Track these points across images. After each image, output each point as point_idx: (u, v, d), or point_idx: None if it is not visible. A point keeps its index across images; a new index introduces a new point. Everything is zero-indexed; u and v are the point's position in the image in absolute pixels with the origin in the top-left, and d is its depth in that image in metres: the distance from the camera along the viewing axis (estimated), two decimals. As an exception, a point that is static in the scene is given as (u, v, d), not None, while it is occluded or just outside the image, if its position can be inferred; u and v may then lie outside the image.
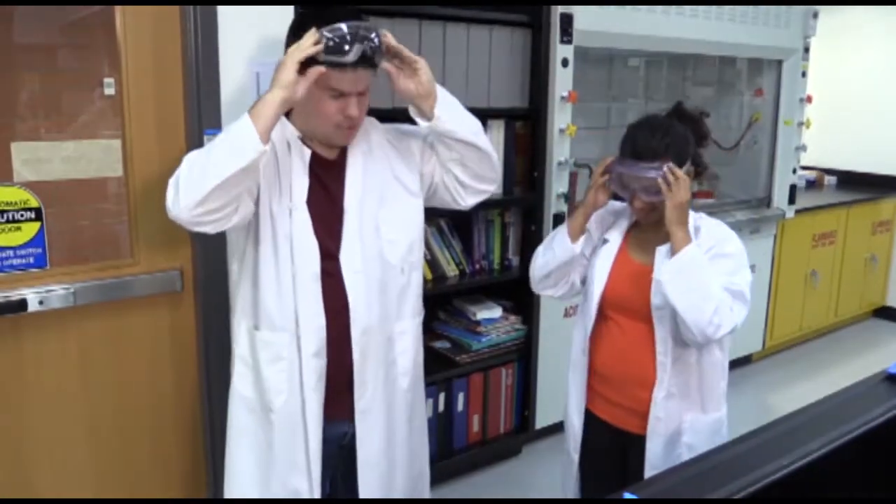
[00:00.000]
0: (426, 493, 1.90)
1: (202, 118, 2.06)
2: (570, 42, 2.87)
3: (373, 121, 1.73)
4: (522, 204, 2.99)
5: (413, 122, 1.68)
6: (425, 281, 2.02)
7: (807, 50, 3.94)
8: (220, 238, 1.73)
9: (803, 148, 4.10)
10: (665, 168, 1.65)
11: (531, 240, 2.93)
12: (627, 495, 1.06)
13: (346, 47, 1.46)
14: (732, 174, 4.16)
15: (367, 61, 1.50)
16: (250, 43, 2.10)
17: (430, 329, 2.99)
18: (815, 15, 3.89)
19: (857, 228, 4.77)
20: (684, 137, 1.74)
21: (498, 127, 2.84)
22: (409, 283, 1.72)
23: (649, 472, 1.76)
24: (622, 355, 1.81)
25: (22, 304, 1.92)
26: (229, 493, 1.75)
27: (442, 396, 2.83)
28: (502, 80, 2.84)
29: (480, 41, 2.75)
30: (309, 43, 1.45)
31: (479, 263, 2.98)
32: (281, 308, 1.61)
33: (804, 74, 3.97)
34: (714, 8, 3.41)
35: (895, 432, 1.32)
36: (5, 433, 1.99)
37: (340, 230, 1.63)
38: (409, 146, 1.73)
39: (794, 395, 3.77)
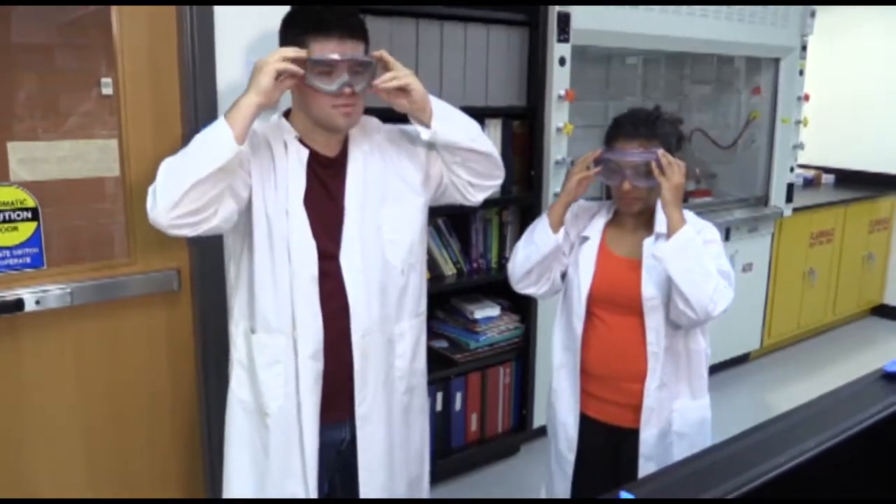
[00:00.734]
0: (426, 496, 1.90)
1: (199, 118, 2.06)
2: (567, 41, 2.87)
3: (375, 120, 1.72)
4: (520, 203, 2.99)
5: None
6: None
7: (804, 48, 3.94)
8: (218, 237, 1.72)
9: (801, 146, 4.11)
10: (659, 152, 1.70)
11: (529, 239, 2.92)
12: (624, 494, 1.06)
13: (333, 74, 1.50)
14: (730, 173, 4.17)
15: (352, 34, 1.51)
16: (247, 42, 2.10)
17: (427, 328, 2.98)
18: (813, 13, 3.89)
19: (855, 227, 4.78)
20: (672, 128, 1.80)
21: (495, 126, 2.84)
22: (407, 284, 1.71)
23: (643, 462, 1.81)
24: (613, 352, 1.82)
25: (18, 304, 1.92)
26: (227, 496, 1.74)
27: (440, 395, 2.83)
28: (500, 79, 2.84)
29: (478, 40, 2.75)
30: (292, 54, 1.47)
31: (476, 262, 2.98)
32: (277, 310, 1.59)
33: (801, 73, 3.97)
34: (712, 6, 3.41)
35: (892, 430, 1.32)
36: (2, 433, 1.98)
37: (341, 230, 1.61)
38: (413, 147, 1.72)
39: (792, 394, 3.77)
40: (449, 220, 2.88)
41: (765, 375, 4.11)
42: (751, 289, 4.10)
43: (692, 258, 1.68)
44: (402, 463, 1.77)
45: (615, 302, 1.80)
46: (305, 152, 1.60)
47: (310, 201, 1.59)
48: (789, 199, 4.10)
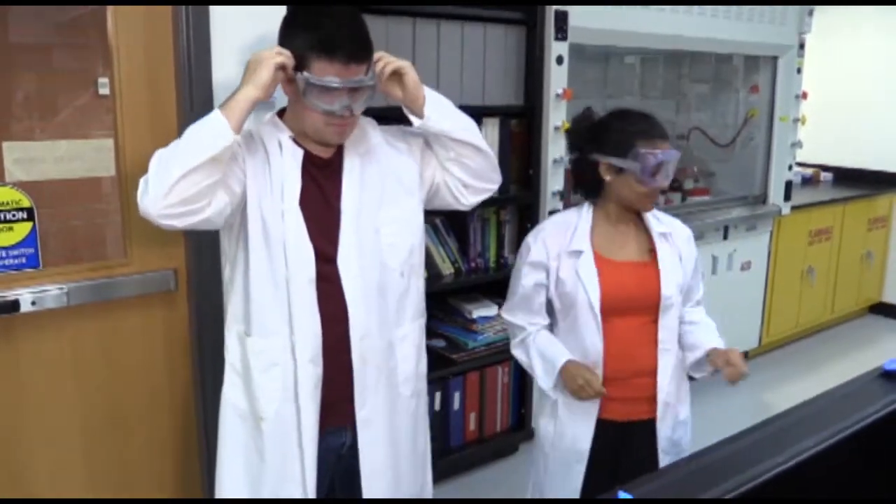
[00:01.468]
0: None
1: (195, 118, 2.03)
2: (564, 39, 2.87)
3: (371, 121, 1.69)
4: (518, 202, 2.99)
5: (411, 123, 1.66)
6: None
7: (802, 46, 3.94)
8: (214, 237, 1.71)
9: (799, 144, 4.11)
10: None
11: (527, 238, 2.92)
12: (622, 494, 1.05)
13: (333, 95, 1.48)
14: (728, 171, 4.17)
15: (357, 58, 1.49)
16: (243, 42, 2.09)
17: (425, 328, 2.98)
18: (811, 12, 3.89)
19: (853, 225, 4.78)
20: None
21: (493, 125, 2.83)
22: (408, 288, 1.68)
23: (663, 458, 1.84)
24: (625, 353, 1.81)
25: (15, 305, 1.91)
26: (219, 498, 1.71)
27: (438, 395, 2.83)
28: (497, 78, 2.83)
29: (475, 39, 2.75)
30: (290, 55, 1.47)
31: (474, 262, 2.97)
32: (274, 314, 1.57)
33: (799, 71, 3.98)
34: (709, 5, 3.40)
35: (891, 429, 1.32)
36: (-1, 434, 1.98)
37: (337, 232, 1.59)
38: (409, 147, 1.70)
39: (791, 393, 3.77)
40: (447, 219, 2.88)
41: (763, 374, 4.10)
42: (749, 287, 4.09)
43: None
44: (408, 468, 1.74)
45: (631, 306, 1.80)
46: (300, 152, 1.58)
47: (305, 203, 1.56)
48: (787, 197, 4.10)
